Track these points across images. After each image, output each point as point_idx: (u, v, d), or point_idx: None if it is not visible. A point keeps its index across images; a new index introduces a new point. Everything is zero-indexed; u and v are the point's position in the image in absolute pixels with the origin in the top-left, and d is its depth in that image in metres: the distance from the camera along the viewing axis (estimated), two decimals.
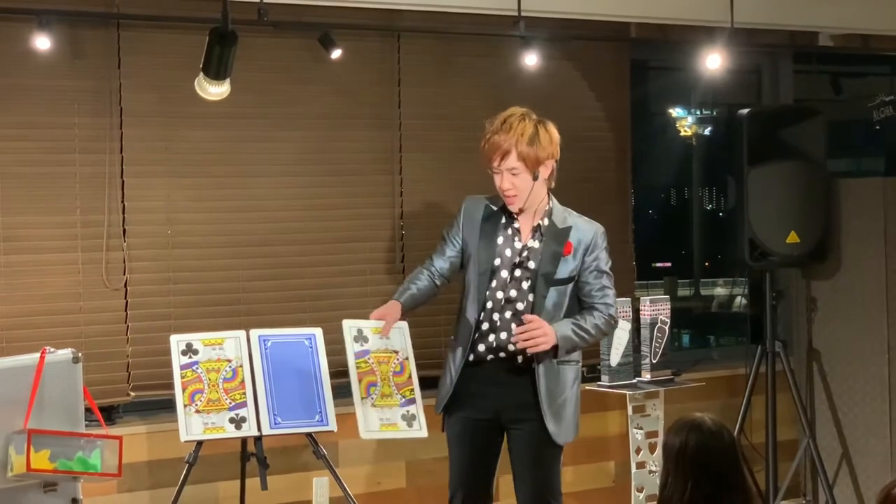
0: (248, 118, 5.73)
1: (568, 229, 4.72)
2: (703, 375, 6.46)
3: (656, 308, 5.70)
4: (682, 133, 7.98)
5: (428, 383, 5.02)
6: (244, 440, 5.04)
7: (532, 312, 4.62)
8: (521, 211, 4.73)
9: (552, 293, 4.68)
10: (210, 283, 5.69)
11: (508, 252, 4.71)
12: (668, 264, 8.24)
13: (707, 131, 8.05)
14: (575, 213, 4.82)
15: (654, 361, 5.68)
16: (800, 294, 6.94)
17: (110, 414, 5.49)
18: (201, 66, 4.95)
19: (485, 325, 4.72)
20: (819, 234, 6.41)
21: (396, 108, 6.05)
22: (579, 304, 4.75)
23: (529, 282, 4.68)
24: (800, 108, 6.92)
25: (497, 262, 4.71)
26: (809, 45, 7.18)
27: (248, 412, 4.92)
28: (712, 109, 8.01)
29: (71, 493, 4.54)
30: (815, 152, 6.42)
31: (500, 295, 4.71)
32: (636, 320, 5.74)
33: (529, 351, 4.58)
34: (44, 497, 4.48)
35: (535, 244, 4.71)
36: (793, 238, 6.29)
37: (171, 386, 4.95)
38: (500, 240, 4.74)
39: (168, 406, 5.29)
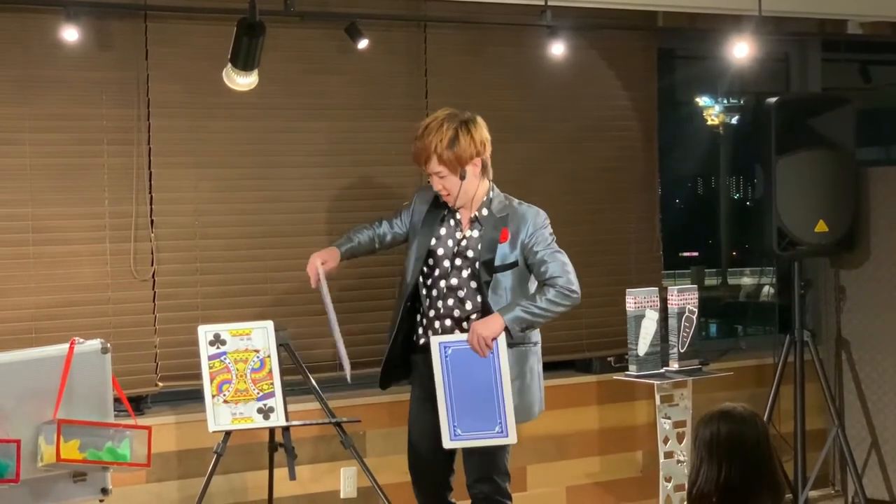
0: (275, 109, 5.74)
1: (505, 217, 4.88)
2: (731, 365, 6.45)
3: (684, 297, 5.67)
4: (710, 122, 7.95)
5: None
6: (272, 430, 5.05)
7: (478, 299, 4.83)
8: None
9: (500, 279, 4.84)
10: (238, 274, 5.70)
11: (450, 242, 4.91)
12: (696, 254, 8.22)
13: (734, 120, 8.02)
14: (517, 200, 4.96)
15: (681, 351, 5.65)
16: (828, 283, 6.91)
17: (139, 404, 5.51)
18: (229, 56, 4.96)
19: (431, 313, 4.92)
20: (848, 223, 6.38)
21: (423, 98, 6.04)
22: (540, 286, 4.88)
23: (469, 270, 4.87)
24: (828, 97, 6.89)
25: (441, 251, 4.91)
26: (838, 32, 7.14)
27: (275, 402, 4.94)
28: (740, 98, 7.98)
29: (100, 482, 4.55)
30: (843, 141, 6.38)
31: (442, 284, 4.90)
32: (664, 310, 5.71)
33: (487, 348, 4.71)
34: (73, 487, 4.50)
35: (474, 234, 4.90)
36: (821, 227, 6.26)
37: (199, 376, 4.97)
38: (442, 230, 4.95)
39: (196, 396, 5.30)
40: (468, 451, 4.92)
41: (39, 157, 5.34)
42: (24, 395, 4.33)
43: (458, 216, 4.93)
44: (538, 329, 4.95)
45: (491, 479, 4.91)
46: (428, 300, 4.93)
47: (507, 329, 4.69)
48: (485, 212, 4.91)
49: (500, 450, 4.89)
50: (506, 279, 4.84)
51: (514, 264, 4.85)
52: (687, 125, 7.96)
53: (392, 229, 5.13)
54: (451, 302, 4.89)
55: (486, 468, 4.90)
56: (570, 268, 4.81)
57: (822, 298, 6.99)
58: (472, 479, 4.94)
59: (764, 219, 6.34)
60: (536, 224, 4.86)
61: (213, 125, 5.64)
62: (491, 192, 4.93)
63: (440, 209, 4.96)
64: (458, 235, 4.91)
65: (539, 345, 4.98)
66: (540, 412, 4.99)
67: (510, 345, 4.77)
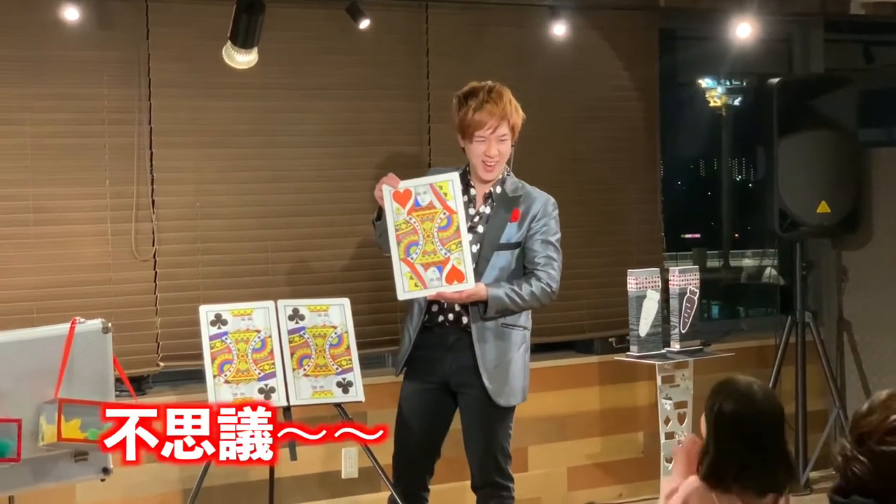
0: (277, 89, 5.73)
1: (517, 197, 4.85)
2: (732, 346, 6.44)
3: (685, 278, 5.67)
4: (712, 103, 7.94)
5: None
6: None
7: (474, 275, 4.70)
8: (481, 179, 4.86)
9: (497, 257, 4.80)
10: (239, 254, 5.70)
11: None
12: (698, 235, 8.22)
13: (736, 101, 8.00)
14: (528, 184, 4.91)
15: (683, 331, 5.65)
16: (830, 264, 6.91)
17: (140, 384, 5.51)
18: (229, 34, 4.95)
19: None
20: (850, 204, 6.38)
21: (425, 79, 6.03)
22: (524, 271, 4.85)
23: (478, 245, 4.81)
24: (831, 77, 6.88)
25: None
26: (841, 13, 7.12)
27: (276, 382, 4.93)
28: (742, 79, 7.96)
29: (101, 462, 4.54)
30: (846, 121, 6.38)
31: None
32: (665, 290, 5.71)
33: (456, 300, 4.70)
34: (75, 466, 4.49)
35: (487, 210, 4.86)
36: (823, 208, 6.26)
37: (200, 356, 4.96)
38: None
39: (197, 376, 5.30)
40: (469, 433, 4.91)
41: (40, 138, 5.33)
42: (25, 374, 4.32)
43: (472, 192, 4.89)
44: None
45: (495, 461, 4.89)
46: None
47: (484, 304, 4.68)
48: (499, 189, 4.87)
49: (503, 430, 4.87)
50: (501, 258, 4.80)
51: (517, 244, 4.83)
52: (689, 106, 7.95)
53: None
54: None
55: (489, 450, 4.89)
56: (559, 265, 4.84)
57: (824, 279, 6.99)
58: (475, 461, 4.93)
59: (766, 200, 6.34)
60: (546, 211, 4.85)
61: (214, 105, 5.63)
62: (505, 171, 4.91)
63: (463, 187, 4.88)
64: (472, 211, 4.86)
65: (525, 329, 4.91)
66: (512, 402, 4.90)
67: (504, 325, 4.78)
